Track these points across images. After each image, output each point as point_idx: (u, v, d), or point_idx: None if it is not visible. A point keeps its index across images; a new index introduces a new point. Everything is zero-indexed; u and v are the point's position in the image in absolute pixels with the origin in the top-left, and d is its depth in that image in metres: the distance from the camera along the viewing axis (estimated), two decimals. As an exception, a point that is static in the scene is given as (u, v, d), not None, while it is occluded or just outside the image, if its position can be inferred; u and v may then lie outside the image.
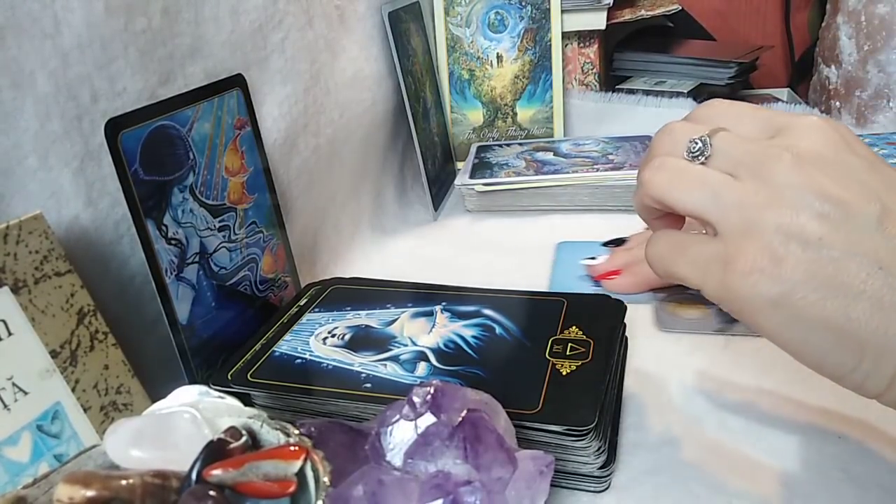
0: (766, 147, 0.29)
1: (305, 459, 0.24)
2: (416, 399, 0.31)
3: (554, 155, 0.74)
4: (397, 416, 0.31)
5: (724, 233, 0.29)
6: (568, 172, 0.68)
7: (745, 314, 0.29)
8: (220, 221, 0.44)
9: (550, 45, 0.80)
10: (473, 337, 0.42)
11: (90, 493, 0.23)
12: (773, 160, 0.28)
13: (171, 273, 0.40)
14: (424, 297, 0.47)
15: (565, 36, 0.81)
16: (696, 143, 0.30)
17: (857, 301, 0.26)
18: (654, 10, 0.84)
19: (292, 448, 0.25)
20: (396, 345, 0.41)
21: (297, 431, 0.26)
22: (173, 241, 0.40)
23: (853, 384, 0.28)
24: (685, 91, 0.82)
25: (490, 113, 0.82)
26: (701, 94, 0.83)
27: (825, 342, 0.27)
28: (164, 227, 0.39)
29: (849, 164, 0.28)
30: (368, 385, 0.38)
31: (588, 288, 0.53)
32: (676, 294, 0.50)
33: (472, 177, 0.70)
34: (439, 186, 0.74)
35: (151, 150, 0.38)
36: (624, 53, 0.89)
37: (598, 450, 0.34)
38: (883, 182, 0.28)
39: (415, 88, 0.71)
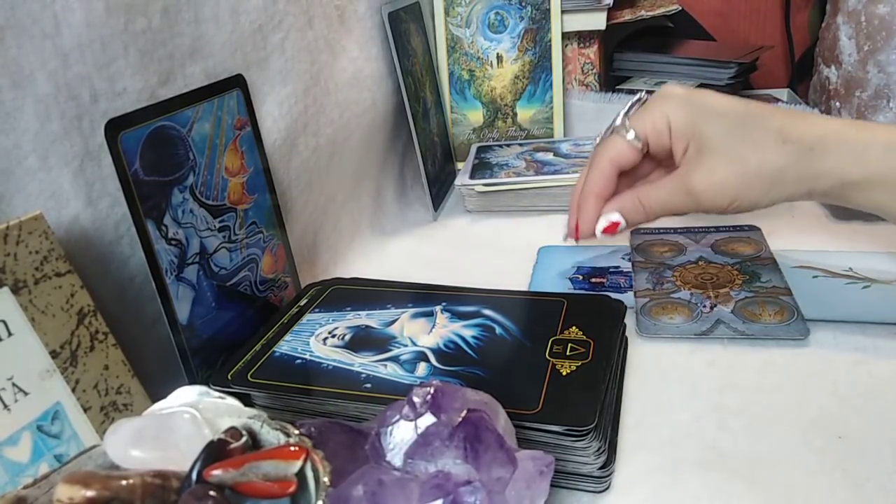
0: None
1: (305, 459, 0.24)
2: (416, 399, 0.31)
3: (554, 155, 0.74)
4: (397, 417, 0.31)
5: None
6: (568, 173, 0.68)
7: None
8: (220, 222, 0.44)
9: (550, 45, 0.80)
10: (473, 337, 0.42)
11: (90, 493, 0.23)
12: None
13: (171, 273, 0.40)
14: (424, 297, 0.47)
15: (565, 36, 0.81)
16: None
17: None
18: (654, 11, 0.84)
19: (292, 448, 0.25)
20: (396, 345, 0.41)
21: (297, 431, 0.26)
22: (173, 242, 0.40)
23: None
24: (685, 91, 0.82)
25: (490, 113, 0.82)
26: (701, 94, 0.83)
27: None
28: (164, 228, 0.39)
29: None
30: (368, 385, 0.38)
31: (567, 289, 0.53)
32: (659, 298, 0.50)
33: (472, 177, 0.70)
34: (439, 186, 0.74)
35: (151, 151, 0.38)
36: (624, 53, 0.89)
37: (598, 450, 0.34)
38: None
39: (415, 88, 0.71)
